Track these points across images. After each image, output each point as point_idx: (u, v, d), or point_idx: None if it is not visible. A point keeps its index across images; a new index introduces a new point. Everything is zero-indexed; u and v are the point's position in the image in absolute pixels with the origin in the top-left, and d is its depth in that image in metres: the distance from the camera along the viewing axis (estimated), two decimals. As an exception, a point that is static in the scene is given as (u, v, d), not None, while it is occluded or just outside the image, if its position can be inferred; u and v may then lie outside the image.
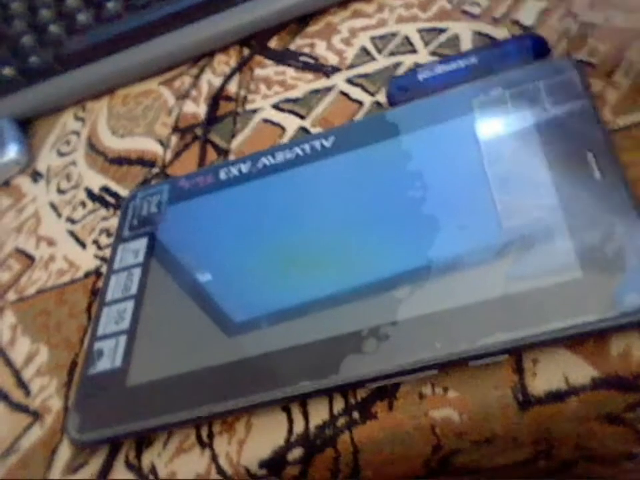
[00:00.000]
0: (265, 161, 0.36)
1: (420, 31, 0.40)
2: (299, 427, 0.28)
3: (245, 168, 0.36)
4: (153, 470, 0.29)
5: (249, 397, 0.28)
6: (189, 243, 0.35)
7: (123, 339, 0.32)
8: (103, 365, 0.31)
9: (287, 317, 0.29)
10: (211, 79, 0.46)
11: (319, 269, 0.30)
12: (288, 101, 0.41)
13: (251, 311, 0.30)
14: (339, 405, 0.28)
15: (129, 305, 0.33)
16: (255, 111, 0.42)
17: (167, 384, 0.29)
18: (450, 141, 0.32)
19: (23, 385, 0.35)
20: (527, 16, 0.37)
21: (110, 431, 0.29)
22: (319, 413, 0.28)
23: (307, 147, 0.36)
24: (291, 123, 0.40)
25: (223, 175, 0.37)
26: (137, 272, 0.34)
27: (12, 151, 0.48)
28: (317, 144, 0.35)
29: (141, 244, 0.35)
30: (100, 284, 0.37)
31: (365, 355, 0.27)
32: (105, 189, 0.43)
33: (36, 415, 0.33)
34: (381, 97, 0.38)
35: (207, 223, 0.35)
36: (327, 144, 0.35)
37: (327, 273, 0.30)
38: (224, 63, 0.47)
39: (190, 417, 0.28)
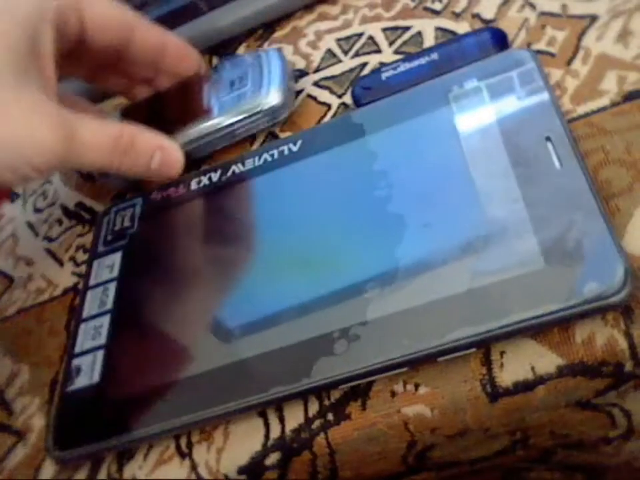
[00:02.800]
0: (235, 168, 0.36)
1: (384, 30, 0.41)
2: (275, 431, 0.28)
3: (215, 177, 0.37)
4: (135, 482, 0.30)
5: (225, 404, 0.28)
6: (162, 254, 0.35)
7: (100, 355, 0.32)
8: (81, 381, 0.31)
9: (259, 324, 0.30)
10: (181, 89, 0.46)
11: (290, 273, 0.31)
12: (257, 107, 0.42)
13: (223, 321, 0.31)
14: (313, 407, 0.28)
15: (105, 320, 0.33)
16: (225, 119, 0.42)
17: (144, 397, 0.30)
18: (425, 135, 0.32)
19: (5, 405, 0.35)
20: (486, 9, 0.38)
21: (90, 446, 0.30)
22: (294, 417, 0.28)
23: (275, 152, 0.36)
24: (261, 129, 0.40)
25: (194, 184, 0.37)
26: (112, 286, 0.34)
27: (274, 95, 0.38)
28: (284, 149, 0.36)
29: (116, 258, 0.36)
30: (78, 300, 0.37)
31: (336, 357, 0.27)
32: (81, 205, 0.43)
33: (19, 435, 0.34)
34: (348, 99, 0.38)
35: (179, 233, 0.35)
36: (294, 148, 0.35)
37: (297, 277, 0.30)
38: (193, 72, 0.47)
39: (167, 428, 0.29)
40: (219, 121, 0.38)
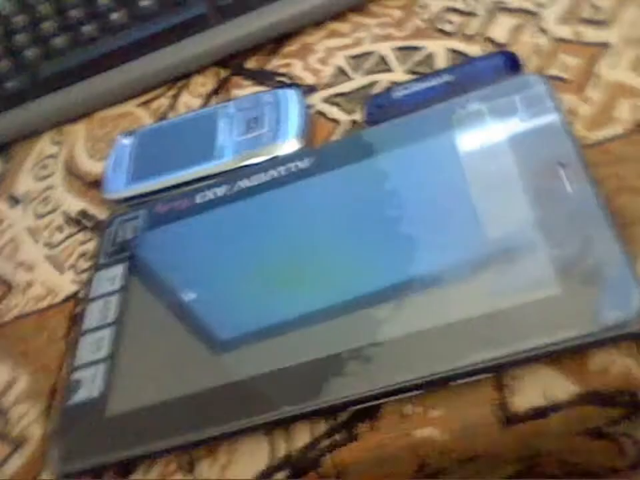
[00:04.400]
0: (241, 183, 0.36)
1: (395, 49, 0.41)
2: (281, 450, 0.28)
3: (221, 191, 0.36)
4: (135, 498, 0.29)
5: (231, 423, 0.27)
6: (166, 268, 0.34)
7: (101, 368, 0.31)
8: (81, 395, 0.31)
9: (268, 341, 0.29)
10: (188, 101, 0.46)
11: (300, 291, 0.30)
12: (265, 121, 0.41)
13: (232, 337, 0.30)
14: (321, 427, 0.28)
15: (107, 333, 0.33)
16: (232, 132, 0.42)
17: (147, 412, 0.29)
18: (431, 157, 0.32)
19: (2, 413, 0.35)
20: (499, 33, 0.38)
21: (91, 461, 0.29)
22: (301, 436, 0.28)
23: (282, 169, 0.35)
24: (269, 144, 0.40)
25: (199, 198, 0.37)
26: (114, 299, 0.34)
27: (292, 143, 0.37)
28: (292, 166, 0.35)
29: (118, 270, 0.35)
30: (78, 309, 0.37)
31: (346, 378, 0.27)
32: (83, 213, 0.43)
33: (16, 444, 0.33)
34: (358, 116, 0.38)
35: (184, 248, 0.35)
36: (302, 165, 0.35)
37: (308, 295, 0.30)
38: (200, 84, 0.47)
39: (171, 445, 0.28)
40: (232, 162, 0.38)
